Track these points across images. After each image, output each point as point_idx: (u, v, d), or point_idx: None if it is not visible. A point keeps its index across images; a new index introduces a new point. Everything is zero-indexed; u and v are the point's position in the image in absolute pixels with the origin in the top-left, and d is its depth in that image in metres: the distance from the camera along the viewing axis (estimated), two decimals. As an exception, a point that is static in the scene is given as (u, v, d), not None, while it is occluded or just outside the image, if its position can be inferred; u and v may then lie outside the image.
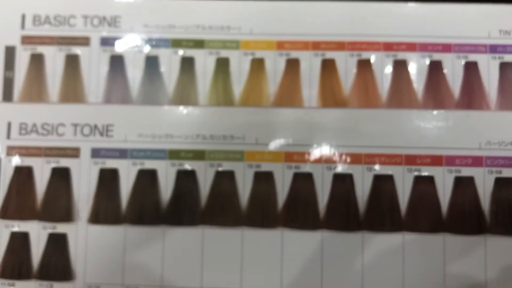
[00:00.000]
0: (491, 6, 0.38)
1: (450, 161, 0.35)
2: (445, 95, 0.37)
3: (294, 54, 0.38)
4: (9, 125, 0.36)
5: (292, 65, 0.38)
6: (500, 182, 0.35)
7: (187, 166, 0.36)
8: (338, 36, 0.38)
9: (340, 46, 0.38)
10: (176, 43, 0.38)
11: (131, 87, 0.38)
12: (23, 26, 0.39)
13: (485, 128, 0.36)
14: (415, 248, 0.35)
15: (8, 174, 0.36)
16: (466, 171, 0.35)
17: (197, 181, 0.36)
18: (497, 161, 0.35)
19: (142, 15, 0.38)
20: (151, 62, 0.38)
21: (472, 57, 0.38)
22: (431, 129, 0.36)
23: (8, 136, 0.36)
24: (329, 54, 0.38)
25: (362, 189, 0.35)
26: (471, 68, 0.38)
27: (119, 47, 0.38)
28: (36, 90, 0.38)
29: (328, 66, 0.38)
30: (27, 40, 0.38)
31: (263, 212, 0.35)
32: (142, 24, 0.38)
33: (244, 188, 0.36)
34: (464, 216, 0.35)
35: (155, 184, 0.36)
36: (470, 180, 0.35)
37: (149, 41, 0.38)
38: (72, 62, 0.38)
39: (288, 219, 0.35)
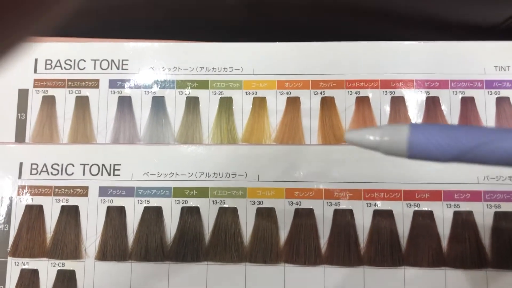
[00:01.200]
0: (486, 43, 0.39)
1: (448, 196, 0.36)
2: (443, 131, 0.38)
3: (294, 92, 0.39)
4: (21, 165, 0.38)
5: (293, 103, 0.39)
6: (499, 216, 0.35)
7: (191, 203, 0.37)
8: (336, 74, 0.39)
9: (339, 84, 0.39)
10: (182, 84, 0.40)
11: (138, 126, 0.39)
12: (35, 70, 0.40)
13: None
14: (416, 283, 0.35)
15: (19, 212, 0.38)
16: (465, 206, 0.36)
17: (201, 218, 0.37)
18: (496, 196, 0.36)
19: (148, 58, 0.40)
20: (158, 102, 0.40)
21: (469, 92, 0.39)
22: (429, 164, 0.36)
23: (20, 176, 0.38)
24: (328, 92, 0.39)
25: (363, 224, 0.36)
26: (468, 103, 0.39)
27: (127, 88, 0.40)
28: (47, 131, 0.39)
29: (327, 104, 0.39)
30: (39, 83, 0.40)
31: (265, 248, 0.36)
32: (148, 67, 0.40)
33: (247, 224, 0.37)
34: (465, 250, 0.35)
35: (160, 221, 0.37)
36: (469, 215, 0.36)
37: (155, 82, 0.40)
38: (81, 104, 0.40)
39: (290, 255, 0.36)
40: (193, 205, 0.37)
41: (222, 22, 0.42)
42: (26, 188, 0.38)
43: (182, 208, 0.37)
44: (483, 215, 0.36)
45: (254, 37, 0.40)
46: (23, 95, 0.40)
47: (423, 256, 0.35)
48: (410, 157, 0.21)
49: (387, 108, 0.39)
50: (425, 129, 0.21)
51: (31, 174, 0.38)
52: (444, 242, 0.35)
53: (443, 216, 0.36)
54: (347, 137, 0.22)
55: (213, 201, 0.37)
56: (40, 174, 0.38)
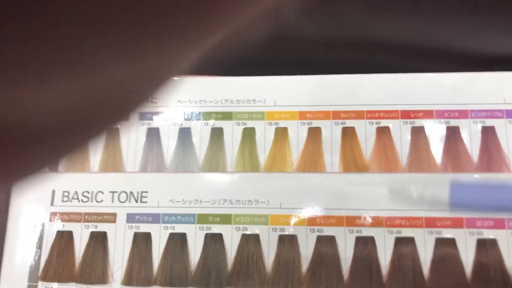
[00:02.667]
0: (504, 74, 0.40)
1: (471, 223, 0.36)
2: (464, 159, 0.38)
3: (315, 123, 0.40)
4: (53, 192, 0.40)
5: (314, 133, 0.40)
6: (524, 244, 0.35)
7: (215, 229, 0.38)
8: (357, 105, 0.40)
9: (359, 114, 0.40)
10: (207, 116, 0.42)
11: (165, 156, 0.41)
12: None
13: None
14: (441, 312, 0.35)
15: (50, 238, 0.39)
16: (488, 233, 0.36)
17: (224, 244, 0.38)
18: (520, 223, 0.35)
19: (175, 92, 0.42)
20: (184, 133, 0.42)
21: (490, 122, 0.39)
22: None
23: (52, 203, 0.40)
24: (349, 123, 0.40)
25: (385, 251, 0.36)
26: (488, 133, 0.39)
27: (156, 120, 0.42)
28: (79, 160, 0.41)
29: (348, 134, 0.40)
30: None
31: (287, 274, 0.36)
32: (176, 100, 0.42)
33: (269, 251, 0.37)
34: (489, 279, 0.35)
35: (184, 247, 0.38)
36: (493, 243, 0.35)
37: (182, 114, 0.42)
38: (112, 135, 0.42)
39: (312, 282, 0.36)
40: (217, 232, 0.38)
41: (245, 57, 0.44)
42: (58, 214, 0.39)
43: (206, 235, 0.38)
44: (507, 243, 0.35)
45: (276, 71, 0.42)
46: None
47: (447, 284, 0.35)
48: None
49: (408, 138, 0.39)
50: (465, 188, 0.22)
51: (62, 201, 0.40)
52: (468, 270, 0.35)
53: (466, 244, 0.35)
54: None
55: (235, 227, 0.38)
56: (71, 201, 0.40)
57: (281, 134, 0.41)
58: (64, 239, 0.39)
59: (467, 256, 0.35)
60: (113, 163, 0.41)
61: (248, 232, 0.38)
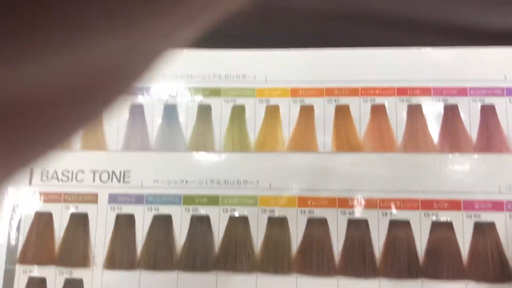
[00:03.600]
0: (506, 49, 0.38)
1: (469, 205, 0.34)
2: (462, 139, 0.37)
3: (308, 100, 0.39)
4: (31, 171, 0.38)
5: (306, 112, 0.38)
6: (523, 227, 0.34)
7: (202, 211, 0.36)
8: (351, 82, 0.39)
9: (353, 92, 0.38)
10: (194, 92, 0.40)
11: (150, 134, 0.39)
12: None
13: (505, 171, 0.35)
14: (436, 297, 0.33)
15: (28, 219, 0.37)
16: (486, 216, 0.34)
17: (211, 226, 0.36)
18: (519, 206, 0.34)
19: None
20: (170, 110, 0.39)
21: (489, 100, 0.37)
22: (448, 173, 0.35)
23: (30, 182, 0.38)
24: (343, 100, 0.38)
25: (378, 234, 0.35)
26: (488, 111, 0.37)
27: (139, 96, 0.40)
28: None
29: (342, 112, 0.38)
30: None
31: (277, 257, 0.35)
32: (160, 74, 0.40)
33: (258, 233, 0.36)
34: (486, 263, 0.33)
35: (169, 229, 0.36)
36: (491, 226, 0.34)
37: (167, 90, 0.40)
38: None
39: (303, 265, 0.35)
40: (203, 213, 0.36)
41: (235, 28, 0.42)
42: (36, 194, 0.37)
43: (192, 217, 0.36)
44: (506, 226, 0.34)
45: (268, 44, 0.40)
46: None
47: (442, 268, 0.33)
48: None
49: (404, 116, 0.38)
50: None
51: (41, 180, 0.38)
52: (465, 254, 0.34)
53: (463, 227, 0.34)
54: None
55: (223, 209, 0.36)
56: (50, 180, 0.38)
57: (272, 112, 0.39)
58: (43, 220, 0.37)
59: (464, 240, 0.34)
60: (94, 141, 0.39)
61: (236, 214, 0.36)
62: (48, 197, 0.37)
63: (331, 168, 0.36)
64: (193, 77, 0.40)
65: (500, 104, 0.37)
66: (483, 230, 0.34)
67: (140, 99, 0.40)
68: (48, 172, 0.38)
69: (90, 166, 0.38)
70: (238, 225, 0.36)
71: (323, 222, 0.35)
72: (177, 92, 0.40)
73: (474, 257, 0.34)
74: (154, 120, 0.39)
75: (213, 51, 0.40)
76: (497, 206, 0.34)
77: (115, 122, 0.39)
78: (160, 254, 0.36)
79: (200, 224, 0.36)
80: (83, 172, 0.38)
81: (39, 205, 0.37)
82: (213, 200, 0.36)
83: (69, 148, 0.39)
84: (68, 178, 0.38)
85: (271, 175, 0.36)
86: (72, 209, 0.37)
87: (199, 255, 0.35)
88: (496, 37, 0.39)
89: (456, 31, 0.39)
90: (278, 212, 0.36)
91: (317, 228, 0.35)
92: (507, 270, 0.33)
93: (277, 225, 0.35)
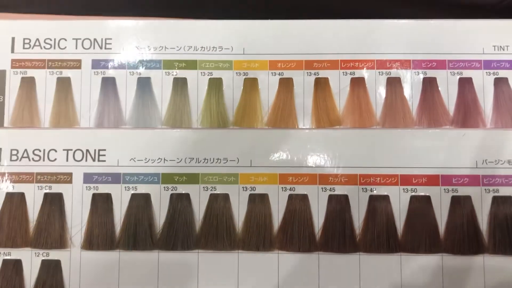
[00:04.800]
0: (485, 21, 0.38)
1: (446, 180, 0.35)
2: (440, 113, 0.37)
3: (287, 73, 0.38)
4: (0, 151, 0.36)
5: (286, 84, 0.38)
6: (497, 201, 0.35)
7: (181, 189, 0.36)
8: (331, 54, 0.38)
9: (333, 64, 0.38)
10: (168, 64, 0.38)
11: (123, 109, 0.38)
12: (13, 49, 0.38)
13: (481, 146, 0.35)
14: (413, 269, 0.34)
15: (-1, 201, 0.36)
16: (463, 190, 0.35)
17: (191, 205, 0.35)
18: (494, 180, 0.35)
19: (133, 37, 0.38)
20: (143, 84, 0.38)
21: (467, 73, 0.38)
22: (426, 148, 0.35)
23: (-1, 163, 0.36)
24: (322, 73, 0.38)
25: (358, 210, 0.35)
26: (465, 84, 0.37)
27: (111, 69, 0.38)
28: (27, 115, 0.37)
29: (321, 85, 0.38)
30: (17, 63, 0.38)
31: (258, 235, 0.35)
32: (133, 46, 0.38)
33: (239, 211, 0.35)
34: (462, 236, 0.34)
35: (148, 208, 0.35)
36: (467, 200, 0.35)
37: (140, 62, 0.38)
38: (63, 85, 0.38)
39: (284, 242, 0.35)
40: (183, 192, 0.35)
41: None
42: (6, 175, 0.36)
43: (171, 195, 0.36)
44: (481, 200, 0.35)
45: (245, 15, 0.38)
46: (0, 76, 0.38)
47: (420, 242, 0.34)
48: None
49: (383, 89, 0.37)
50: None
51: (11, 160, 0.36)
52: (442, 228, 0.35)
53: (441, 201, 0.35)
54: None
55: (203, 187, 0.36)
56: (21, 160, 0.36)
57: (251, 85, 0.38)
58: (15, 201, 0.36)
59: (442, 214, 0.35)
60: (65, 118, 0.37)
61: (217, 192, 0.35)
62: (19, 177, 0.36)
63: (312, 144, 0.36)
64: (167, 49, 0.38)
65: (478, 77, 0.37)
66: (460, 204, 0.35)
67: (111, 71, 0.38)
68: (18, 151, 0.36)
69: (62, 144, 0.36)
70: (219, 203, 0.35)
71: (304, 198, 0.35)
72: (151, 65, 0.38)
73: (451, 231, 0.34)
74: (128, 94, 0.38)
75: (188, 22, 0.38)
76: (473, 180, 0.35)
77: (85, 96, 0.38)
78: (139, 234, 0.35)
79: (180, 202, 0.35)
80: (55, 151, 0.36)
81: (10, 186, 0.36)
82: (192, 178, 0.36)
83: (38, 125, 0.37)
84: (40, 157, 0.36)
85: (252, 152, 0.36)
86: (46, 189, 0.36)
87: (180, 234, 0.35)
88: (475, 10, 0.38)
89: (436, 3, 0.39)
90: (259, 190, 0.35)
91: (298, 204, 0.35)
92: (481, 242, 0.34)
93: (258, 202, 0.35)
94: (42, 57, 0.38)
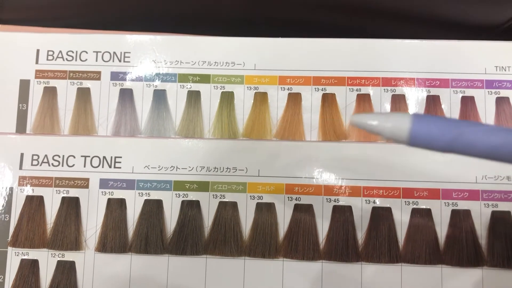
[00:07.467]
0: (487, 43, 0.39)
1: (447, 194, 0.36)
2: (443, 129, 0.38)
3: (296, 88, 0.39)
4: (22, 156, 0.38)
5: (294, 99, 0.39)
6: (496, 216, 0.36)
7: (192, 196, 0.37)
8: (338, 71, 0.39)
9: (340, 81, 0.39)
10: (183, 78, 0.40)
11: (139, 119, 0.39)
12: (37, 60, 0.40)
13: (481, 162, 0.36)
14: (413, 279, 0.35)
15: (19, 203, 0.38)
16: (462, 204, 0.36)
17: (201, 212, 0.37)
18: (494, 195, 0.36)
19: (150, 51, 0.40)
20: (159, 95, 0.40)
21: (469, 92, 0.39)
22: (428, 163, 0.37)
23: (21, 167, 0.38)
24: (330, 89, 0.39)
25: (361, 220, 0.36)
26: (468, 103, 0.39)
27: (129, 81, 0.40)
28: (48, 122, 0.39)
29: (328, 100, 0.39)
30: (40, 74, 0.40)
31: (264, 242, 0.36)
32: (150, 60, 0.40)
33: (247, 218, 0.37)
34: (461, 249, 0.35)
35: (160, 214, 0.37)
36: (466, 213, 0.36)
37: (157, 75, 0.40)
38: (83, 95, 0.40)
39: (289, 250, 0.36)
40: (194, 199, 0.37)
41: (225, 16, 0.42)
42: (27, 179, 0.38)
43: (183, 202, 0.37)
44: (480, 214, 0.36)
45: (257, 32, 0.40)
46: (24, 85, 0.40)
47: (420, 254, 0.36)
48: (410, 144, 0.22)
49: (388, 106, 0.39)
50: (426, 119, 0.22)
51: (32, 165, 0.38)
52: (441, 240, 0.36)
53: (441, 215, 0.36)
54: (352, 120, 0.23)
55: (213, 195, 0.37)
56: (41, 165, 0.38)
57: (261, 99, 0.40)
58: (34, 204, 0.38)
59: (442, 227, 0.36)
60: (84, 126, 0.39)
61: (225, 200, 0.37)
62: (39, 182, 0.38)
63: (317, 156, 0.37)
64: (183, 63, 0.40)
65: (479, 96, 0.39)
66: (460, 217, 0.36)
67: (129, 83, 0.40)
68: (38, 157, 0.38)
69: (80, 151, 0.38)
70: (227, 210, 0.37)
71: (309, 208, 0.37)
72: (166, 78, 0.40)
73: (450, 243, 0.36)
74: (144, 105, 0.40)
75: (203, 38, 0.40)
76: (473, 195, 0.36)
77: (104, 106, 0.40)
78: (151, 238, 0.37)
79: (190, 209, 0.37)
80: (74, 157, 0.38)
81: (30, 189, 0.38)
82: (203, 186, 0.37)
83: (58, 133, 0.39)
84: (59, 162, 0.38)
85: (260, 162, 0.37)
86: (64, 193, 0.38)
87: (189, 239, 0.37)
88: (478, 31, 0.40)
89: (440, 24, 0.40)
90: (266, 199, 0.37)
91: (303, 214, 0.37)
92: (480, 255, 0.35)
93: (265, 211, 0.37)
94: (64, 68, 0.40)
